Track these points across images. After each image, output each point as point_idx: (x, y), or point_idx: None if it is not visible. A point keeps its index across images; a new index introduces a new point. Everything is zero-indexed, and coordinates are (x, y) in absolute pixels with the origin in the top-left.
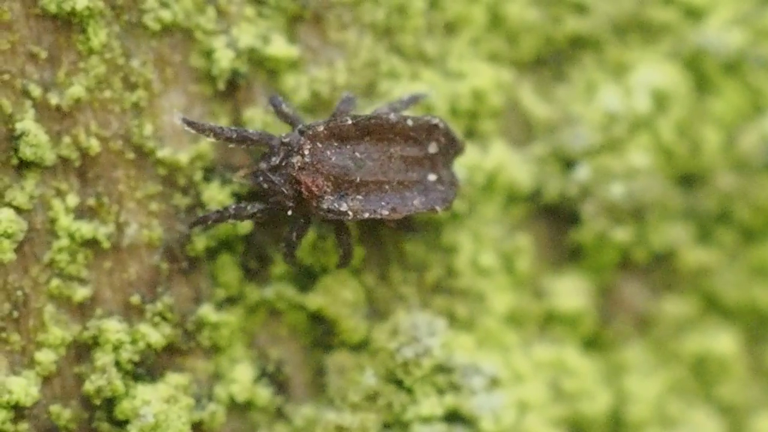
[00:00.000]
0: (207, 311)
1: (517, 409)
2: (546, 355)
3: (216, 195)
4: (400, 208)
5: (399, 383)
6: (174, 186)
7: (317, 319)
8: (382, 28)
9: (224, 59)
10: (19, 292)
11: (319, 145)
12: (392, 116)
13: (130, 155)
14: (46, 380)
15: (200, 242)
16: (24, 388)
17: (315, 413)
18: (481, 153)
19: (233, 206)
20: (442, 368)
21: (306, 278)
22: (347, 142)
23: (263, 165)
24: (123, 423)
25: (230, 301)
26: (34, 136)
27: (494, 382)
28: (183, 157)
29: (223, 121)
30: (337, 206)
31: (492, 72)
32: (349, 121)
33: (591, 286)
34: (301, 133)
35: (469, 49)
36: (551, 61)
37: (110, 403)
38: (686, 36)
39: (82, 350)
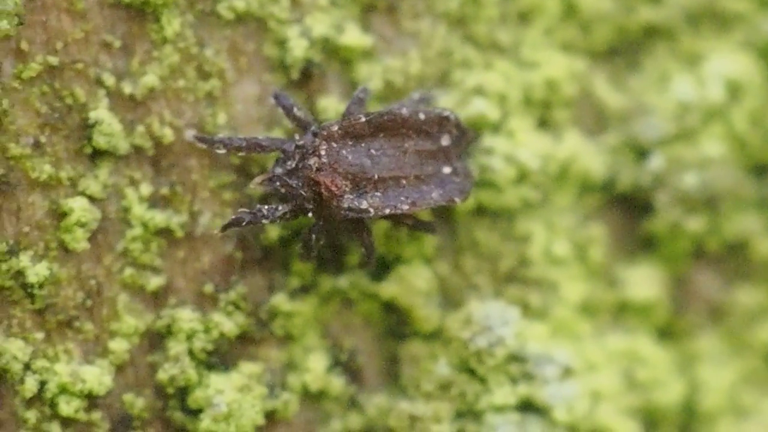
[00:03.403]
0: (280, 300)
1: (590, 398)
2: (619, 344)
3: None
4: (420, 202)
5: (472, 372)
6: (247, 175)
7: (390, 308)
8: (455, 18)
9: (298, 48)
10: (93, 281)
11: (335, 145)
12: (404, 111)
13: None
14: (120, 369)
15: (273, 231)
16: (97, 376)
17: (388, 402)
18: (554, 142)
19: (253, 211)
20: (515, 357)
21: (379, 267)
22: (362, 140)
23: (279, 170)
24: (196, 412)
25: (304, 290)
26: (108, 125)
27: (567, 372)
28: None
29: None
30: (357, 204)
31: (565, 61)
32: (363, 119)
33: (664, 275)
34: (315, 134)
35: (542, 38)
36: (625, 51)
37: (183, 392)
38: (760, 26)
39: (156, 339)
